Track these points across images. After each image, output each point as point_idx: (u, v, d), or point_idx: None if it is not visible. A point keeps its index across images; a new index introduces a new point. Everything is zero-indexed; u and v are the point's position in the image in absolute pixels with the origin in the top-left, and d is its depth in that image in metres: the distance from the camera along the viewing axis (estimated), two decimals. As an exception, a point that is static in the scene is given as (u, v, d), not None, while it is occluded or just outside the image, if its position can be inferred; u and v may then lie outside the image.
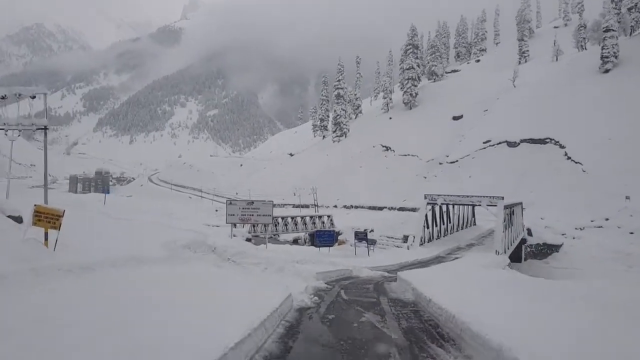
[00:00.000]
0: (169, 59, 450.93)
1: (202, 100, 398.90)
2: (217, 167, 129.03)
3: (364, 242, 26.88)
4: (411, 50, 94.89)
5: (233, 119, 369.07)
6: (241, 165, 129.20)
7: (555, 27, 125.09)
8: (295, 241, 48.60)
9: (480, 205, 27.63)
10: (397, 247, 37.91)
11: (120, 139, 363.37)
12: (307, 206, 70.30)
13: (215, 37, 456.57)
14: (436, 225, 31.63)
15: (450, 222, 35.29)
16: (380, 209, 63.20)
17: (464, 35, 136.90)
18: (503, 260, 20.60)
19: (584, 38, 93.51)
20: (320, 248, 24.30)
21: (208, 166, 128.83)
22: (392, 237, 42.74)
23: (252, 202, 22.64)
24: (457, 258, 22.82)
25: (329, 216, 45.74)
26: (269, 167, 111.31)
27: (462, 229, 38.68)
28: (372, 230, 44.55)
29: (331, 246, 25.53)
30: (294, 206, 72.09)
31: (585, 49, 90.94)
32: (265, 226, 25.35)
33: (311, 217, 44.56)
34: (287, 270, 14.44)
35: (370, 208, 65.11)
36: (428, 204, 29.98)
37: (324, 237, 25.22)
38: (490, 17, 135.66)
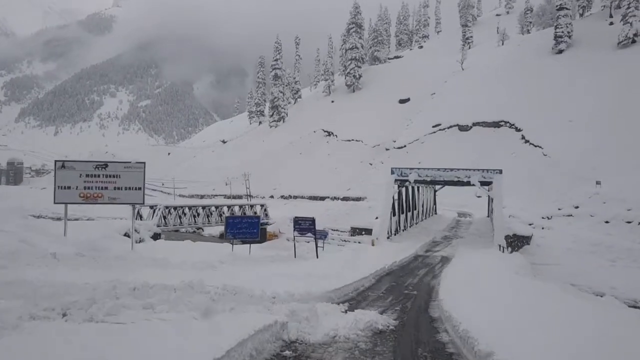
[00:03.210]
0: (99, 47, 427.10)
1: (133, 90, 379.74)
2: (141, 156, 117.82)
3: (310, 234, 17.91)
4: (354, 29, 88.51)
5: (166, 110, 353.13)
6: (169, 153, 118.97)
7: (497, 15, 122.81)
8: (222, 236, 40.93)
9: (469, 182, 21.11)
10: (345, 240, 30.96)
11: (45, 130, 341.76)
12: (240, 197, 62.79)
13: (148, 25, 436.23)
14: (402, 213, 24.71)
15: (415, 209, 28.65)
16: (322, 198, 56.68)
17: (405, 23, 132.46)
18: (523, 262, 14.17)
19: (530, 22, 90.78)
20: (238, 245, 16.19)
21: (131, 155, 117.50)
22: (337, 230, 35.76)
23: (106, 165, 13.67)
24: (445, 257, 16.13)
25: (262, 206, 38.38)
26: (200, 155, 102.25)
27: (425, 217, 32.37)
28: (313, 222, 37.50)
29: (256, 241, 17.37)
30: (226, 197, 64.48)
31: (530, 33, 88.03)
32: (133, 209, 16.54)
33: (241, 206, 37.02)
34: None
35: (310, 198, 58.40)
36: (396, 181, 22.62)
37: (242, 228, 15.74)
38: (432, 4, 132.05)
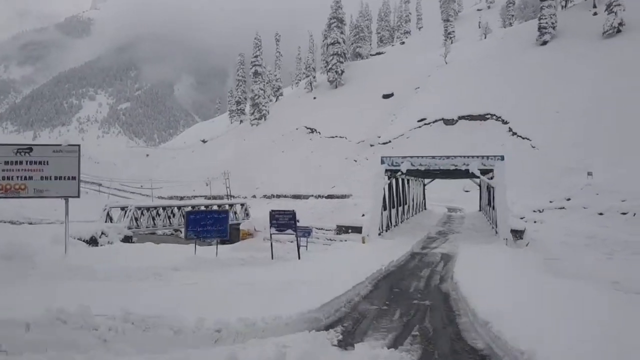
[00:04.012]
0: (77, 50, 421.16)
1: (112, 93, 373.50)
2: (118, 158, 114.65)
3: (290, 231, 15.01)
4: (335, 23, 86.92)
5: (147, 112, 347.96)
6: (147, 155, 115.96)
7: (478, 10, 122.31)
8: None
9: (467, 170, 19.46)
10: (330, 239, 29.22)
11: (23, 135, 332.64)
12: (221, 197, 60.98)
13: (127, 27, 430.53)
14: (393, 207, 22.88)
15: (406, 204, 26.94)
16: (306, 197, 55.15)
17: (386, 19, 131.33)
18: (538, 259, 12.64)
19: (512, 15, 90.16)
20: (201, 246, 14.01)
21: (108, 157, 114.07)
22: (322, 229, 34.01)
23: (31, 149, 11.00)
24: (445, 255, 14.42)
25: (242, 205, 36.51)
26: (179, 156, 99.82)
27: (416, 213, 30.81)
28: (298, 221, 35.55)
29: (224, 241, 15.02)
30: (207, 197, 62.56)
31: (512, 26, 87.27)
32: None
33: (219, 206, 35.02)
34: None
35: (294, 197, 56.86)
36: (386, 171, 20.66)
37: (207, 225, 13.08)
38: (413, 0, 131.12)
